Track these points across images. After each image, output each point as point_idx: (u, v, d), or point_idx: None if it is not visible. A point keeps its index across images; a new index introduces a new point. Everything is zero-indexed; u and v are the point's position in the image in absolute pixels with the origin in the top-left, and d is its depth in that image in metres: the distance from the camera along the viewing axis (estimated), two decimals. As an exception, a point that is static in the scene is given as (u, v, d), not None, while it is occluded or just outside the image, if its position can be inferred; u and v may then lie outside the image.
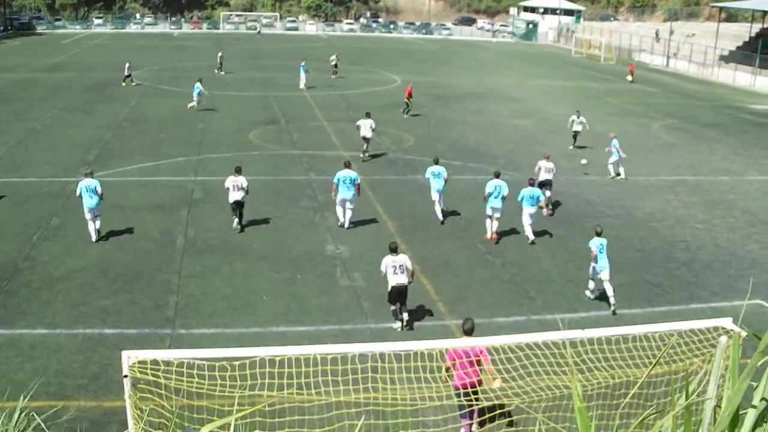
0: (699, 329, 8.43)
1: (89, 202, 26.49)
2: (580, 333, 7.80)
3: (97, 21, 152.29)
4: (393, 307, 20.53)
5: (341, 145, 41.93)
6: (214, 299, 22.04)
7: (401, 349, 8.95)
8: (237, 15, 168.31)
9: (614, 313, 21.86)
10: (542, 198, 29.15)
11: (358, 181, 28.42)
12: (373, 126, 36.63)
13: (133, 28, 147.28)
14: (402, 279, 20.05)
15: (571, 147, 43.69)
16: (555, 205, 32.56)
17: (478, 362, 14.46)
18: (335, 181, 28.20)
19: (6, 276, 23.43)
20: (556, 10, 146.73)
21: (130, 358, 7.11)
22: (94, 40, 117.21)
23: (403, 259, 20.31)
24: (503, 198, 27.49)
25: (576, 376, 5.91)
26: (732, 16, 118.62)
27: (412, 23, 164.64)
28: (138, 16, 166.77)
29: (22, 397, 8.16)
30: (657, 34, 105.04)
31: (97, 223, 26.88)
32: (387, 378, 9.57)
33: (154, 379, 7.58)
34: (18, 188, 33.34)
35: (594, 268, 22.47)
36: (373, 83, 68.20)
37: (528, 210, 27.50)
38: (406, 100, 53.68)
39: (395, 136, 44.96)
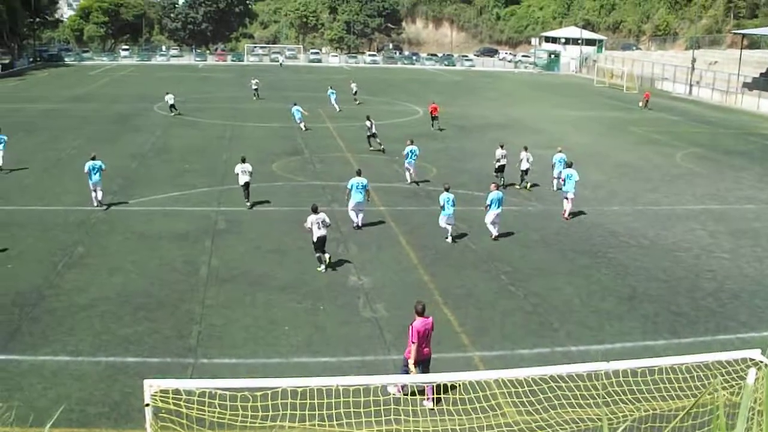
0: (727, 361, 8.33)
1: (94, 178, 34.42)
2: (605, 365, 7.73)
3: (123, 53, 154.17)
4: (318, 254, 26.94)
5: (363, 176, 41.91)
6: (237, 329, 21.99)
7: (424, 381, 8.87)
8: (261, 47, 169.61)
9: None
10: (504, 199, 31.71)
11: (369, 186, 32.43)
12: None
13: (158, 59, 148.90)
14: (323, 232, 26.61)
15: (517, 186, 41.30)
16: (578, 236, 32.43)
17: (431, 332, 17.81)
18: (349, 187, 31.98)
19: (31, 303, 23.51)
20: (577, 40, 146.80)
21: (152, 386, 7.07)
22: (120, 71, 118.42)
23: (323, 216, 26.65)
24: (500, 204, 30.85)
25: (603, 409, 5.83)
26: (754, 43, 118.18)
27: (435, 55, 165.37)
28: (164, 48, 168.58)
29: (45, 424, 8.15)
30: (693, 63, 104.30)
31: (99, 194, 34.90)
32: (410, 410, 9.50)
33: (176, 408, 7.55)
34: (44, 216, 33.57)
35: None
36: (396, 115, 68.28)
37: (493, 212, 30.82)
38: (432, 116, 59.27)
39: (418, 167, 44.94)
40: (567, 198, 35.09)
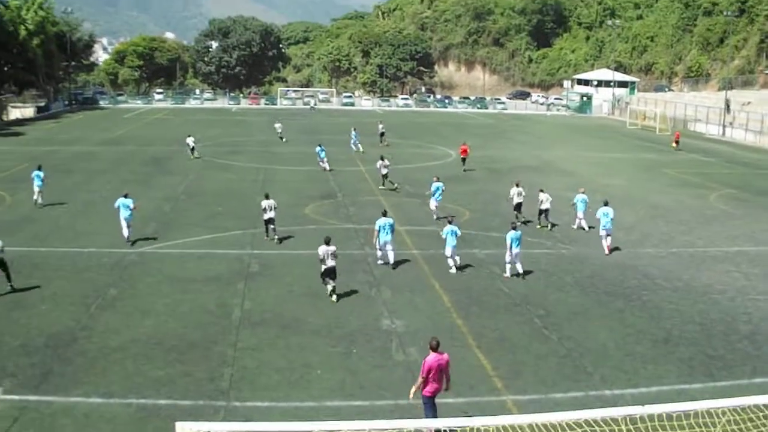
0: (764, 404, 8.24)
1: (125, 214, 36.04)
2: (640, 409, 7.67)
3: (157, 96, 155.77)
4: (326, 283, 28.52)
5: (397, 220, 41.89)
6: (269, 372, 21.99)
7: (458, 425, 8.84)
8: (294, 90, 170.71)
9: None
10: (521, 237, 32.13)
11: (395, 226, 33.71)
12: None
13: (192, 102, 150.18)
14: (333, 263, 28.20)
15: (538, 226, 41.68)
16: (612, 278, 32.31)
17: (444, 370, 18.13)
18: (376, 228, 32.81)
19: (63, 344, 23.66)
20: (609, 82, 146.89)
21: (183, 429, 7.08)
22: (154, 114, 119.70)
23: (334, 248, 28.24)
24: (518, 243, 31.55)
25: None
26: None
27: (467, 98, 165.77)
28: (197, 91, 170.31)
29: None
30: (728, 105, 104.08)
31: (130, 230, 36.35)
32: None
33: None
34: (77, 258, 33.79)
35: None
36: (428, 158, 68.45)
37: (513, 251, 31.41)
38: (462, 157, 61.34)
39: (451, 211, 44.95)
40: (605, 235, 36.47)
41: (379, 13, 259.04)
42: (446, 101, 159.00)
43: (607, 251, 36.47)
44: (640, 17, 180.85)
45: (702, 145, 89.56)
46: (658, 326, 26.47)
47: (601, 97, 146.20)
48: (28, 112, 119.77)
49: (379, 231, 32.82)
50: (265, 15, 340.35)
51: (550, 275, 32.54)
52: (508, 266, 31.94)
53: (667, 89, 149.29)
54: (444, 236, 32.60)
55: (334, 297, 28.46)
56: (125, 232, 36.32)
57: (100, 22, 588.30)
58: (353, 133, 74.61)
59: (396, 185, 52.17)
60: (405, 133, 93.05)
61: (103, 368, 21.98)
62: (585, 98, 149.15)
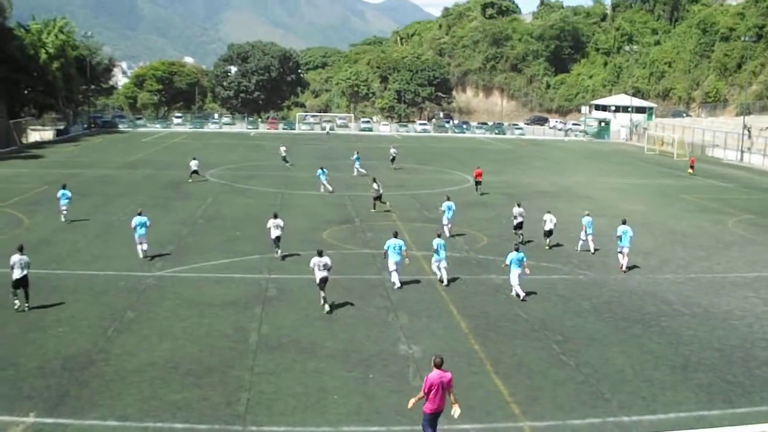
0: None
1: (140, 231, 37.78)
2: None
3: (176, 120, 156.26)
4: (322, 295, 30.18)
5: (414, 245, 41.98)
6: (286, 397, 21.98)
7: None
8: (312, 115, 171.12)
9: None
10: (525, 260, 32.75)
11: (405, 248, 34.03)
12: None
13: (211, 127, 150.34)
14: (324, 274, 29.83)
15: (547, 247, 42.81)
16: (630, 304, 32.21)
17: (447, 388, 18.21)
18: (386, 248, 33.58)
19: (80, 367, 23.74)
20: (627, 107, 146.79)
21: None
22: (173, 138, 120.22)
23: (326, 259, 29.91)
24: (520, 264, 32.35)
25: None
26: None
27: (485, 123, 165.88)
28: (216, 115, 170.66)
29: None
30: (749, 131, 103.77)
31: (145, 246, 38.14)
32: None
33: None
34: (94, 281, 33.93)
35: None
36: (447, 183, 68.43)
37: (515, 271, 32.17)
38: (476, 180, 63.01)
39: (468, 236, 44.97)
40: (623, 252, 37.79)
41: (398, 38, 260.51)
42: (464, 127, 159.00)
43: (624, 268, 37.59)
44: (657, 43, 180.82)
45: (720, 171, 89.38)
46: (677, 352, 26.37)
47: (619, 123, 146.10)
48: (48, 135, 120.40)
49: (387, 251, 33.51)
50: (284, 40, 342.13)
51: (567, 301, 32.48)
52: (517, 287, 32.47)
53: (684, 115, 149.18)
54: (435, 247, 34.34)
55: (327, 307, 30.12)
56: (140, 248, 38.14)
57: (119, 46, 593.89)
58: (355, 156, 75.91)
59: (388, 203, 53.67)
60: (423, 159, 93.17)
61: (119, 391, 22.03)
62: (603, 124, 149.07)
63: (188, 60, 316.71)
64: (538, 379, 23.85)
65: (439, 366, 18.34)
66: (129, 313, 29.47)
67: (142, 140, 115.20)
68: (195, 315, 29.38)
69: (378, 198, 53.75)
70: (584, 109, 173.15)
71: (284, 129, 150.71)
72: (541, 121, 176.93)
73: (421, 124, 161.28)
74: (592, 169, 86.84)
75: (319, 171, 62.61)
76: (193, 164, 67.68)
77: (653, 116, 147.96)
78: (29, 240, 38.25)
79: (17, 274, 29.26)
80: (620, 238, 37.78)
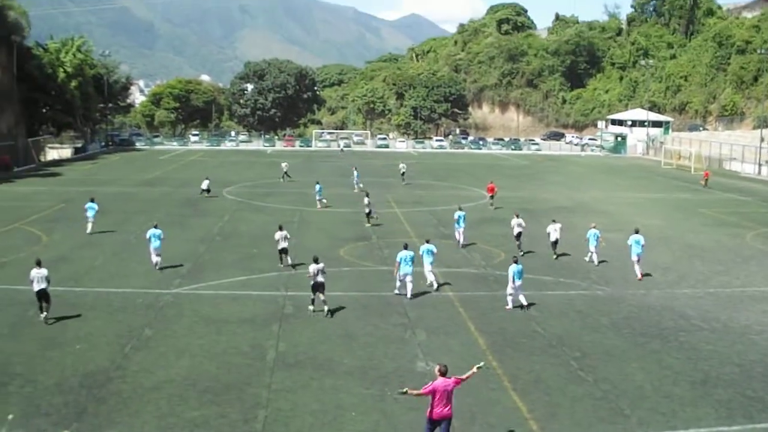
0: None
1: (154, 243, 39.21)
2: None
3: (193, 138, 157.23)
4: (313, 296, 32.00)
5: (411, 250, 41.97)
6: (303, 414, 21.94)
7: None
8: (329, 133, 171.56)
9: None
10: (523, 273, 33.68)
11: (415, 259, 34.90)
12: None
13: (228, 144, 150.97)
14: (322, 279, 31.62)
15: (554, 257, 43.94)
16: (648, 319, 32.08)
17: (452, 393, 18.77)
18: (398, 260, 34.45)
19: (97, 384, 23.80)
20: (644, 122, 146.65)
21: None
22: (190, 156, 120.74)
23: (322, 265, 31.80)
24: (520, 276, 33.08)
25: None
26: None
27: (501, 139, 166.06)
28: (233, 133, 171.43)
29: None
30: None
31: (159, 258, 39.45)
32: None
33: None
34: (112, 298, 34.05)
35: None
36: (464, 200, 68.12)
37: (516, 283, 32.87)
38: (490, 195, 64.25)
39: (485, 252, 44.92)
40: (636, 261, 39.15)
41: (413, 55, 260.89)
42: (480, 143, 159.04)
43: (639, 276, 38.86)
44: (673, 57, 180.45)
45: (737, 184, 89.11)
46: (696, 368, 26.23)
47: (636, 137, 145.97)
48: (66, 153, 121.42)
49: (400, 263, 34.36)
50: (300, 57, 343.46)
51: (585, 316, 32.37)
52: (509, 298, 33.33)
53: (701, 128, 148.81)
54: (421, 253, 36.17)
55: (326, 309, 31.84)
56: (154, 260, 39.60)
57: (137, 64, 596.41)
58: (355, 173, 77.17)
59: (376, 217, 55.63)
60: (440, 175, 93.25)
61: (137, 408, 22.06)
62: (619, 138, 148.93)
63: (205, 78, 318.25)
64: (556, 395, 23.76)
65: (444, 374, 18.82)
66: (146, 330, 29.55)
67: (159, 158, 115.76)
68: (212, 332, 29.43)
69: (368, 214, 54.88)
70: (600, 123, 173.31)
71: (301, 146, 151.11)
72: (558, 136, 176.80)
73: (437, 140, 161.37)
74: (609, 184, 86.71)
75: (317, 186, 63.61)
76: (205, 184, 68.47)
77: (670, 130, 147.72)
78: (47, 257, 38.31)
79: (36, 287, 30.20)
80: (631, 246, 39.30)
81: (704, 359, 27.11)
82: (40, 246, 44.98)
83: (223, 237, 49.22)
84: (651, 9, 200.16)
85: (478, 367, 19.95)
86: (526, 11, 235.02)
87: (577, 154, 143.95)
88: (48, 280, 30.45)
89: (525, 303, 33.02)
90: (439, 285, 36.19)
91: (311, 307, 32.23)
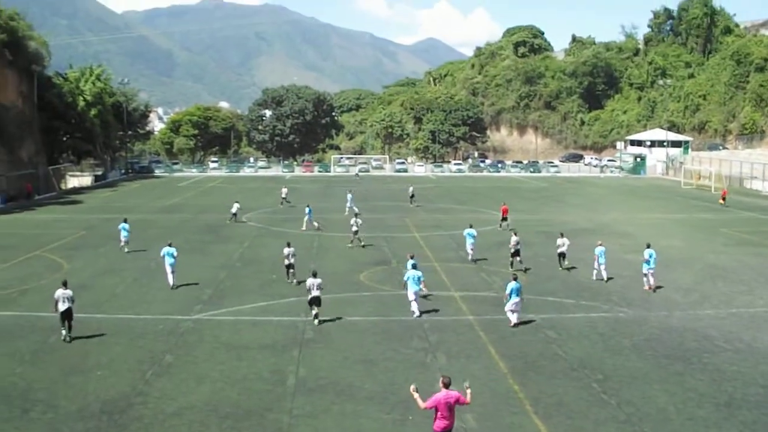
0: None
1: (169, 261, 41.72)
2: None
3: (212, 164, 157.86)
4: (312, 309, 34.39)
5: (452, 285, 41.92)
6: (324, 441, 21.91)
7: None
8: (347, 158, 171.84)
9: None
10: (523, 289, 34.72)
11: (423, 278, 36.65)
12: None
13: (247, 171, 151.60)
14: (318, 293, 34.21)
15: (560, 268, 46.60)
16: (671, 341, 31.88)
17: (454, 406, 19.54)
18: (405, 279, 36.09)
19: (119, 410, 23.88)
20: (663, 142, 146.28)
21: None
22: (209, 182, 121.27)
23: (319, 280, 34.27)
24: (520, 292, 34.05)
25: None
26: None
27: (520, 162, 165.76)
28: (252, 159, 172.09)
29: None
30: None
31: (174, 276, 41.75)
32: None
33: None
34: (133, 325, 34.19)
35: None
36: (484, 223, 67.93)
37: (514, 300, 33.62)
38: (502, 216, 64.99)
39: (507, 276, 44.74)
40: (649, 274, 41.24)
41: (430, 79, 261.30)
42: (499, 165, 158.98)
43: (652, 289, 40.92)
44: (691, 76, 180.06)
45: (759, 203, 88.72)
46: (720, 389, 26.02)
47: (655, 158, 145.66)
48: (86, 180, 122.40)
49: (407, 282, 35.87)
50: (318, 83, 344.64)
51: (607, 339, 32.20)
52: (509, 314, 34.17)
53: (721, 147, 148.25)
54: (405, 280, 36.33)
55: (317, 321, 34.27)
56: (170, 279, 41.78)
57: (155, 92, 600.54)
58: (349, 196, 78.05)
59: (360, 239, 56.29)
60: (460, 198, 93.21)
61: (158, 435, 22.07)
62: (638, 159, 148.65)
63: (223, 105, 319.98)
64: (578, 418, 23.61)
65: (447, 386, 19.67)
66: (167, 356, 29.62)
67: (178, 185, 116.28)
68: (233, 358, 29.45)
69: (355, 233, 56.09)
70: (619, 144, 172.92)
71: (319, 171, 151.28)
72: (576, 158, 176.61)
73: (456, 164, 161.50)
74: (629, 205, 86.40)
75: (307, 209, 65.67)
76: (234, 207, 69.62)
77: (689, 150, 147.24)
78: (69, 284, 38.58)
79: (61, 307, 31.51)
80: (647, 261, 40.96)
81: (728, 380, 26.90)
82: (61, 273, 45.08)
83: (243, 263, 49.29)
84: (668, 28, 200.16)
85: (468, 387, 20.29)
86: (542, 33, 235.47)
87: (597, 175, 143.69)
88: (72, 300, 31.85)
89: (516, 321, 33.95)
90: (421, 313, 35.96)
91: (316, 321, 34.22)
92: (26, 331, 33.12)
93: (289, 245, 43.18)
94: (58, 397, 24.97)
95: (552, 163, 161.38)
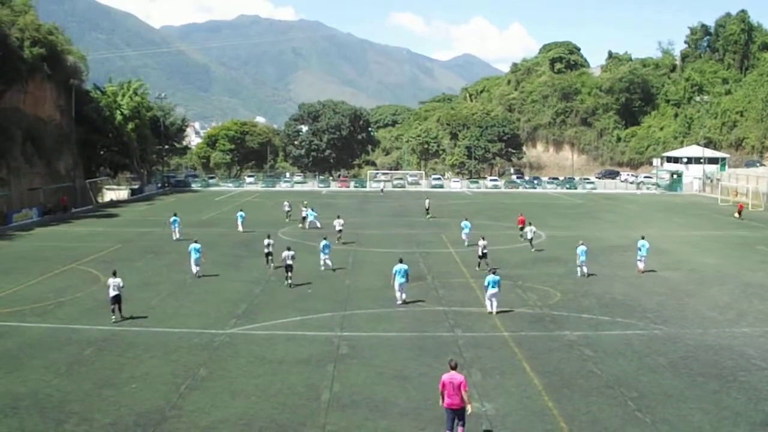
0: None
1: (194, 255, 48.34)
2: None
3: (248, 179, 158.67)
4: (286, 274, 45.02)
5: (486, 301, 41.86)
6: (358, 456, 21.94)
7: None
8: (383, 173, 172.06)
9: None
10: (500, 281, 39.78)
11: (409, 271, 41.66)
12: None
13: (283, 185, 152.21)
14: (290, 262, 44.47)
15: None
16: (706, 359, 31.67)
17: (459, 388, 22.00)
18: (393, 272, 40.93)
19: (153, 423, 24.05)
20: (699, 159, 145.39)
21: None
22: (245, 197, 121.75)
23: (293, 252, 44.76)
24: (498, 284, 39.15)
25: None
26: None
27: (556, 178, 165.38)
28: (288, 174, 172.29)
29: None
30: None
31: (198, 268, 48.46)
32: None
33: None
34: (168, 338, 34.40)
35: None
36: (518, 239, 67.97)
37: (491, 291, 38.71)
38: (519, 227, 68.95)
39: (541, 292, 44.65)
40: (641, 260, 50.97)
41: (467, 95, 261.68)
42: (535, 182, 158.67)
43: (641, 272, 49.94)
44: (728, 92, 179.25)
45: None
46: (756, 408, 25.82)
47: (692, 174, 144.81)
48: (123, 194, 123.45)
49: (395, 275, 40.76)
50: (354, 99, 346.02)
51: (642, 356, 32.01)
52: (487, 302, 39.32)
53: (758, 164, 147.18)
54: (393, 273, 40.98)
55: (288, 282, 45.44)
56: (194, 269, 48.64)
57: (192, 106, 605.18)
58: (336, 217, 76.37)
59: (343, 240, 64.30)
60: (495, 215, 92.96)
61: (192, 449, 22.20)
62: (675, 176, 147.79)
63: (260, 120, 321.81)
64: (613, 436, 23.51)
65: (453, 368, 22.47)
66: (202, 370, 29.76)
67: (214, 199, 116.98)
68: (267, 372, 29.54)
69: (339, 232, 65.22)
70: (656, 161, 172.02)
71: (355, 187, 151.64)
72: (613, 174, 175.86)
73: (491, 180, 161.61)
74: (665, 222, 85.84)
75: (310, 210, 75.81)
76: (287, 205, 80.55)
77: (726, 167, 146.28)
78: (104, 297, 38.93)
79: (112, 293, 37.16)
80: (639, 249, 50.76)
81: (765, 399, 26.68)
82: (98, 285, 45.47)
83: (277, 277, 49.38)
84: (705, 45, 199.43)
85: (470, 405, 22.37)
86: (579, 49, 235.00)
87: (633, 192, 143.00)
88: (121, 287, 37.52)
89: (493, 310, 38.77)
90: (405, 302, 41.10)
91: (287, 282, 45.44)
92: (62, 343, 33.41)
93: (289, 249, 47.15)
94: (92, 410, 25.16)
95: (588, 179, 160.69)
